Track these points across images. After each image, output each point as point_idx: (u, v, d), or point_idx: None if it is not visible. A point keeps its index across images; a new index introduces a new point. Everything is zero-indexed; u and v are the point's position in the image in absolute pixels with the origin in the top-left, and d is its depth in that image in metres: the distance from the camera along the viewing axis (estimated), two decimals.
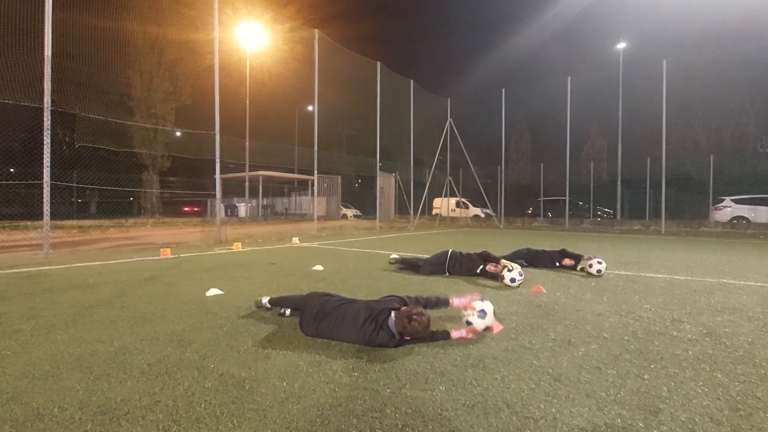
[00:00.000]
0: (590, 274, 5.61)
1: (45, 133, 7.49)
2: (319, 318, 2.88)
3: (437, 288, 4.72)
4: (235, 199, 28.60)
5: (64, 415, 1.85)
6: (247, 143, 22.71)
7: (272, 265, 6.51)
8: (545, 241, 11.35)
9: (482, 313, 2.93)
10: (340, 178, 26.56)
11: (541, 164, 25.79)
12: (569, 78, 19.80)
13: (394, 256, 6.27)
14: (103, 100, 12.13)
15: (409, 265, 5.89)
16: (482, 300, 3.04)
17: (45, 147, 7.46)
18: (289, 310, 3.39)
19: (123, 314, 3.52)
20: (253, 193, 25.67)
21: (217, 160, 10.41)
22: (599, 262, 5.61)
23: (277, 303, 3.51)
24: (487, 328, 3.00)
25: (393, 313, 2.74)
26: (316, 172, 14.56)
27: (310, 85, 14.33)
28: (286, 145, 26.30)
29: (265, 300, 3.59)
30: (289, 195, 32.22)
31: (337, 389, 2.12)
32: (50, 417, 1.83)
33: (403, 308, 2.74)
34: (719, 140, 25.75)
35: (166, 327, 3.16)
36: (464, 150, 21.18)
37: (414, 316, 2.62)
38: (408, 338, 2.69)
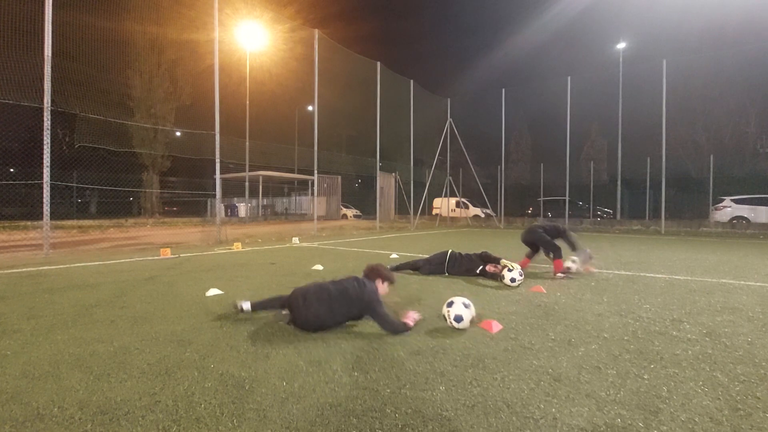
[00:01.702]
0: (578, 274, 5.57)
1: (45, 133, 7.49)
2: (306, 305, 3.01)
3: (436, 288, 4.72)
4: (235, 199, 28.58)
5: (64, 415, 1.85)
6: (247, 143, 22.71)
7: (272, 265, 6.51)
8: None
9: (458, 318, 3.09)
10: (340, 178, 26.55)
11: (541, 164, 25.77)
12: (569, 78, 19.82)
13: (394, 256, 6.28)
14: (103, 100, 12.13)
15: (409, 265, 5.89)
16: (462, 305, 3.16)
17: (45, 147, 7.46)
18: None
19: (123, 314, 3.52)
20: (253, 193, 25.67)
21: (217, 160, 10.41)
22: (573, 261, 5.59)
23: (259, 307, 3.38)
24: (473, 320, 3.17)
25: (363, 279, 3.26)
26: (316, 172, 14.56)
27: (310, 85, 14.35)
28: (286, 145, 26.28)
29: (246, 305, 3.34)
30: (289, 195, 32.21)
31: (337, 389, 2.12)
32: (50, 417, 1.83)
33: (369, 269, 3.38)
34: (719, 140, 25.75)
35: (166, 327, 3.16)
36: (464, 150, 21.19)
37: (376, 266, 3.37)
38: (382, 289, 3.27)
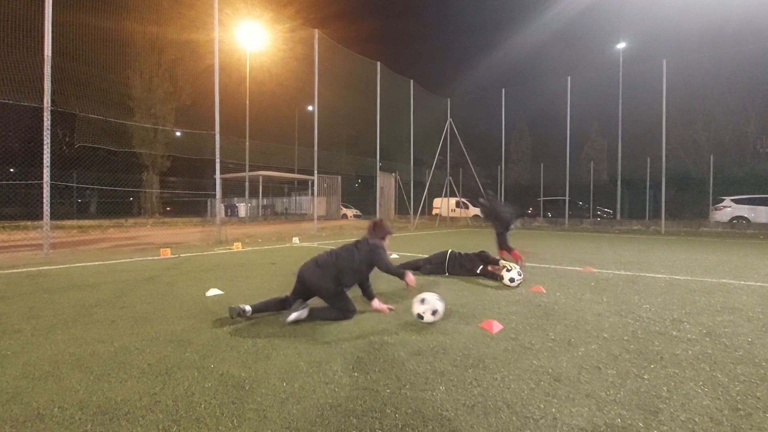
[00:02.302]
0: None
1: (45, 133, 7.49)
2: (320, 265, 3.38)
3: (436, 288, 4.72)
4: (235, 199, 28.57)
5: (64, 415, 1.85)
6: (247, 143, 22.70)
7: (272, 265, 6.51)
8: (544, 242, 11.33)
9: (435, 313, 3.24)
10: (340, 178, 26.53)
11: (541, 164, 25.76)
12: (569, 78, 19.82)
13: (395, 256, 6.29)
14: (103, 100, 12.13)
15: (409, 265, 5.88)
16: (420, 301, 3.26)
17: (45, 147, 7.46)
18: (306, 313, 3.27)
19: (123, 314, 3.52)
20: (253, 193, 25.66)
21: (217, 160, 10.41)
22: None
23: (260, 307, 3.38)
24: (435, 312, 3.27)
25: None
26: (316, 172, 14.56)
27: (310, 85, 14.35)
28: (286, 145, 26.28)
29: (247, 307, 3.31)
30: (289, 195, 32.21)
31: (337, 389, 2.12)
32: (50, 417, 1.83)
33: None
34: (719, 140, 25.73)
35: (166, 327, 3.16)
36: (464, 150, 21.18)
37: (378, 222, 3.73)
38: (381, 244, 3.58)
